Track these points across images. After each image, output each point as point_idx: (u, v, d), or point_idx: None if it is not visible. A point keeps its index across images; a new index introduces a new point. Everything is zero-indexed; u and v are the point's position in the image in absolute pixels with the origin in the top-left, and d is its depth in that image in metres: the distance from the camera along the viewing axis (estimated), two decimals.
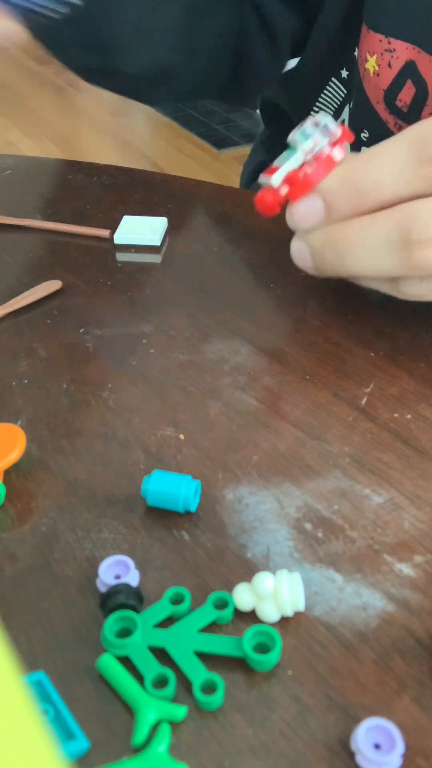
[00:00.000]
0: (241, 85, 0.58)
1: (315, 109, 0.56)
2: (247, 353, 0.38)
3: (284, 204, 0.34)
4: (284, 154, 0.34)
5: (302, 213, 0.34)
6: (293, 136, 0.34)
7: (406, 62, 0.47)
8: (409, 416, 0.34)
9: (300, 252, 0.36)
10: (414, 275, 0.33)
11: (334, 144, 0.34)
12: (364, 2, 0.48)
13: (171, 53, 0.51)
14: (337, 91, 0.55)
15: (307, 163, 0.34)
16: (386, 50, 0.47)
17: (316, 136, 0.33)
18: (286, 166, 0.34)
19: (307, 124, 0.34)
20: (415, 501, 0.30)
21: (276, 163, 0.34)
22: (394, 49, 0.47)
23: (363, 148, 0.54)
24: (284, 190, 0.34)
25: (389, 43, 0.47)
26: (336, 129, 0.34)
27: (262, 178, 0.34)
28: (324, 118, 0.34)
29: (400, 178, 0.31)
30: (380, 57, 0.48)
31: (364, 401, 0.35)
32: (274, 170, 0.34)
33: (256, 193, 0.35)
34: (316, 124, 0.34)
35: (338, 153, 0.34)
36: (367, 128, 0.52)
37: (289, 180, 0.34)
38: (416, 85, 0.47)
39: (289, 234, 0.37)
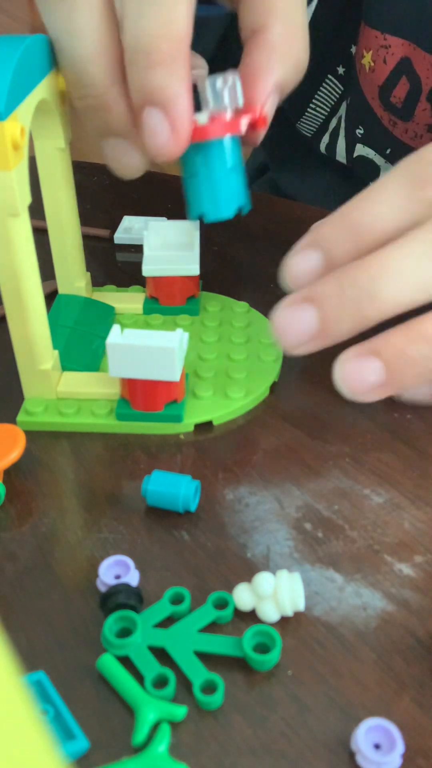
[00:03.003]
0: None
1: (312, 105, 0.56)
2: None
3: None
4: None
5: (299, 266, 0.30)
6: (203, 88, 0.30)
7: (402, 58, 0.47)
8: (409, 416, 0.34)
9: (296, 314, 0.29)
10: None
11: (240, 114, 0.30)
12: None
13: None
14: (333, 88, 0.55)
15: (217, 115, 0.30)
16: (382, 46, 0.47)
17: (225, 95, 0.30)
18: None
19: (218, 82, 0.30)
20: (415, 501, 0.30)
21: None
22: (390, 45, 0.47)
23: (358, 145, 0.53)
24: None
25: (385, 39, 0.47)
26: (240, 98, 0.30)
27: None
28: (233, 76, 0.30)
29: (400, 206, 0.29)
30: (376, 53, 0.47)
31: None
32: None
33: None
34: (225, 82, 0.30)
35: (244, 123, 0.30)
36: (362, 125, 0.52)
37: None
38: (411, 82, 0.47)
39: (289, 234, 0.37)
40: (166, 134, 0.28)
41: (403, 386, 0.29)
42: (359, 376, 0.29)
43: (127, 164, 0.31)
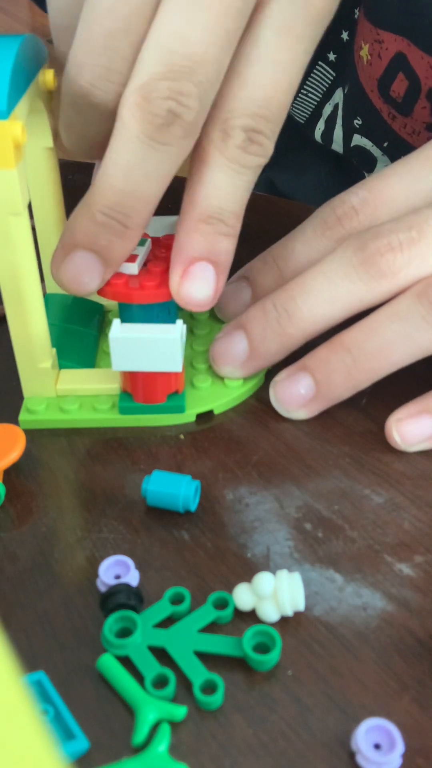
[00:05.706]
0: None
1: (303, 91, 0.55)
2: None
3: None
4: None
5: (231, 295, 0.36)
6: None
7: (396, 54, 0.46)
8: None
9: (229, 340, 0.33)
10: (379, 286, 0.31)
11: None
12: None
13: None
14: (325, 75, 0.54)
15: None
16: (376, 41, 0.47)
17: None
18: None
19: None
20: (415, 501, 0.30)
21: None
22: (383, 41, 0.46)
23: (355, 136, 0.53)
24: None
25: (378, 34, 0.46)
26: None
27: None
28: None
29: (312, 244, 0.34)
30: (371, 47, 0.47)
31: (364, 401, 0.35)
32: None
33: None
34: None
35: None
36: (360, 115, 0.52)
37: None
38: (409, 79, 0.46)
39: (286, 233, 0.37)
40: (212, 289, 0.30)
41: (333, 395, 0.32)
42: (292, 391, 0.32)
43: (88, 284, 0.30)
